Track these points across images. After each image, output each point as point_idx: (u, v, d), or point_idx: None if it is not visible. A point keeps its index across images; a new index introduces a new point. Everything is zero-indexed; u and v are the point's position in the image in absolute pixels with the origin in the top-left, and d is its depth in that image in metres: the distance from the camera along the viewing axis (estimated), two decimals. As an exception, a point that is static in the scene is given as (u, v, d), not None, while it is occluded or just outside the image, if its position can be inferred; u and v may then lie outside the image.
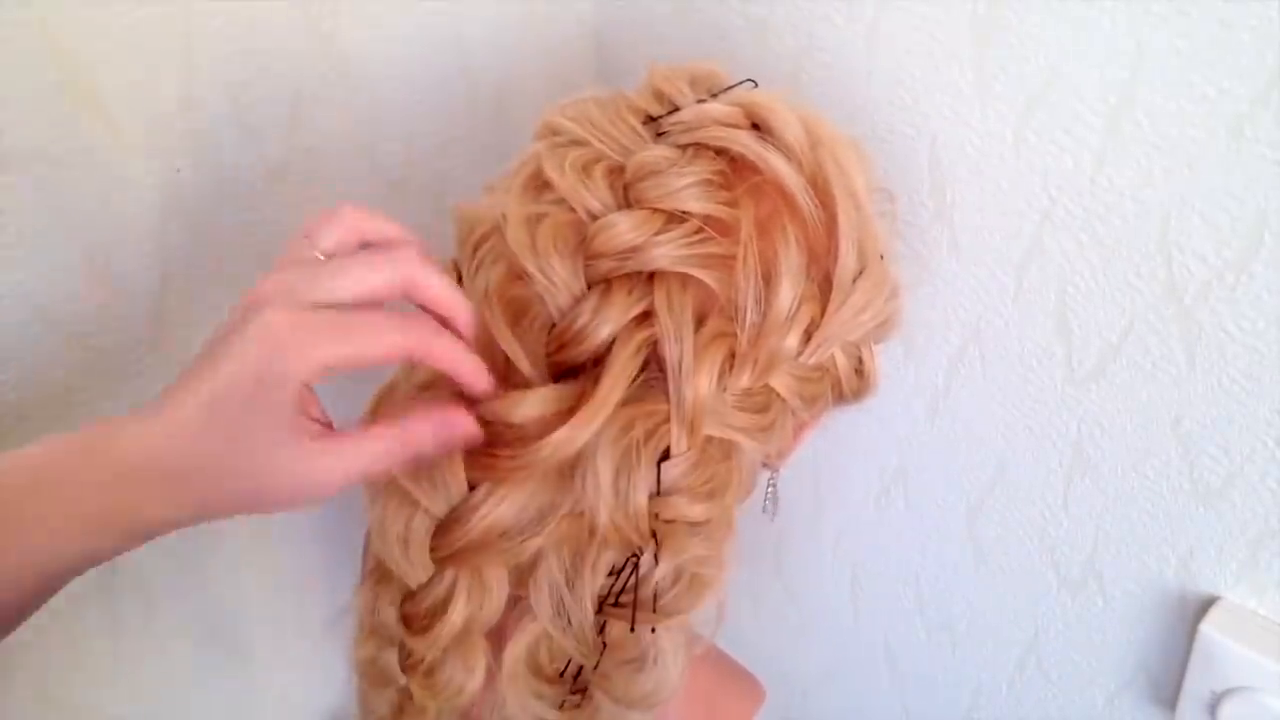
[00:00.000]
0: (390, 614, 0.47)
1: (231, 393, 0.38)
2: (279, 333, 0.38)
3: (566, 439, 0.42)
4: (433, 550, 0.44)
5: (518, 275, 0.45)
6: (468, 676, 0.46)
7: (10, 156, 0.49)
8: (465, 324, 0.43)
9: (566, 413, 0.42)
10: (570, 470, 0.43)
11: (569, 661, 0.47)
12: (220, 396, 0.38)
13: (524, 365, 0.44)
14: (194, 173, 0.56)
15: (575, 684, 0.47)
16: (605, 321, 0.43)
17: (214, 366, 0.39)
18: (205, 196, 0.57)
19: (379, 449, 0.41)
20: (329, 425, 0.42)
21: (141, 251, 0.56)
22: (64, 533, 0.38)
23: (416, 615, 0.45)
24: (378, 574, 0.49)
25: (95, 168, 0.52)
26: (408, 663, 0.47)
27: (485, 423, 0.43)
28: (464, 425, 0.43)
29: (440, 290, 0.42)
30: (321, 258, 0.42)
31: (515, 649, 0.46)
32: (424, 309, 0.43)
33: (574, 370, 0.44)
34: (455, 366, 0.42)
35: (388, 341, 0.40)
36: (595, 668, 0.46)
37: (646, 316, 0.43)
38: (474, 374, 0.43)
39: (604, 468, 0.42)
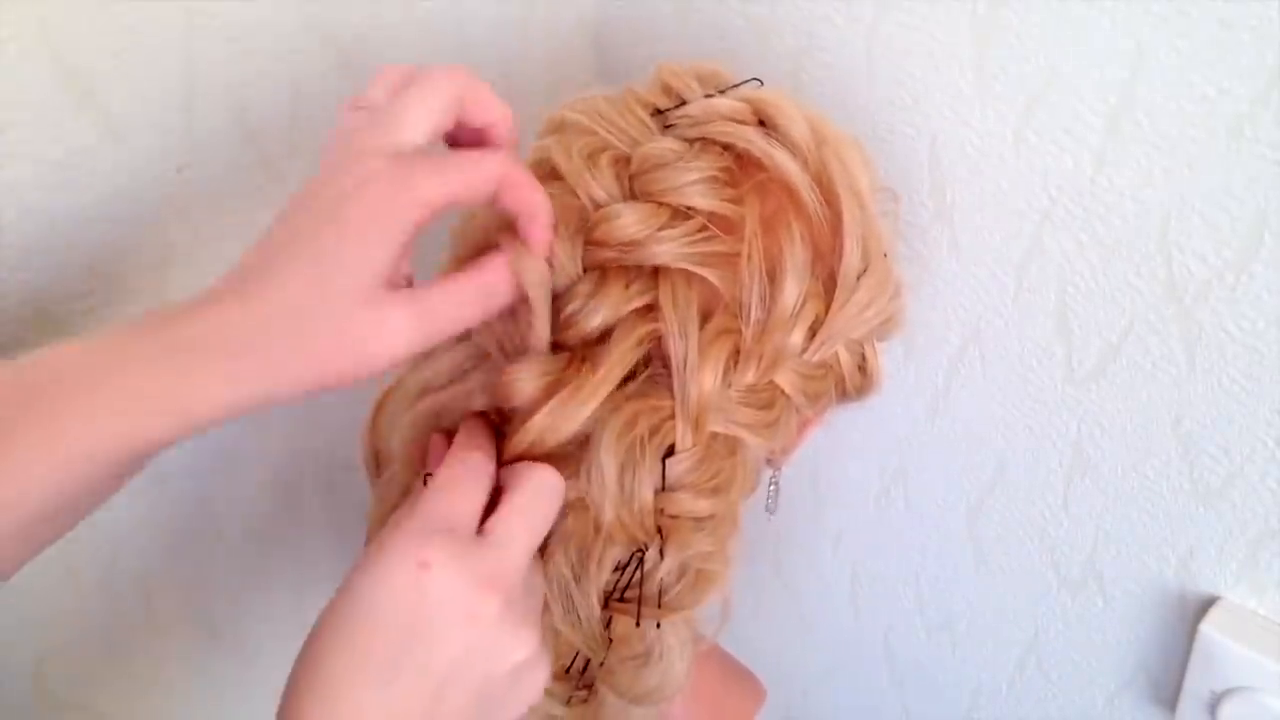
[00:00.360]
0: None
1: (338, 244, 0.38)
2: (385, 178, 0.38)
3: (559, 415, 0.42)
4: None
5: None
6: None
7: (10, 156, 0.49)
8: (509, 127, 0.43)
9: (555, 384, 0.43)
10: (575, 466, 0.43)
11: (575, 657, 0.47)
12: (326, 250, 0.38)
13: (542, 330, 0.44)
14: (194, 173, 0.56)
15: (581, 679, 0.47)
16: (598, 309, 0.43)
17: (306, 227, 0.38)
18: (205, 196, 0.57)
19: (462, 294, 0.41)
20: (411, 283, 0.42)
21: (141, 251, 0.56)
22: (111, 411, 0.36)
23: None
24: None
25: (95, 168, 0.52)
26: None
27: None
28: (544, 237, 0.42)
29: (529, 187, 0.42)
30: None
31: None
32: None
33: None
34: (535, 207, 0.42)
35: (486, 171, 0.40)
36: (601, 663, 0.46)
37: (649, 310, 0.43)
38: (548, 222, 0.43)
39: (609, 463, 0.42)
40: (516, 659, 0.40)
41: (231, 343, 0.37)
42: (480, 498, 0.41)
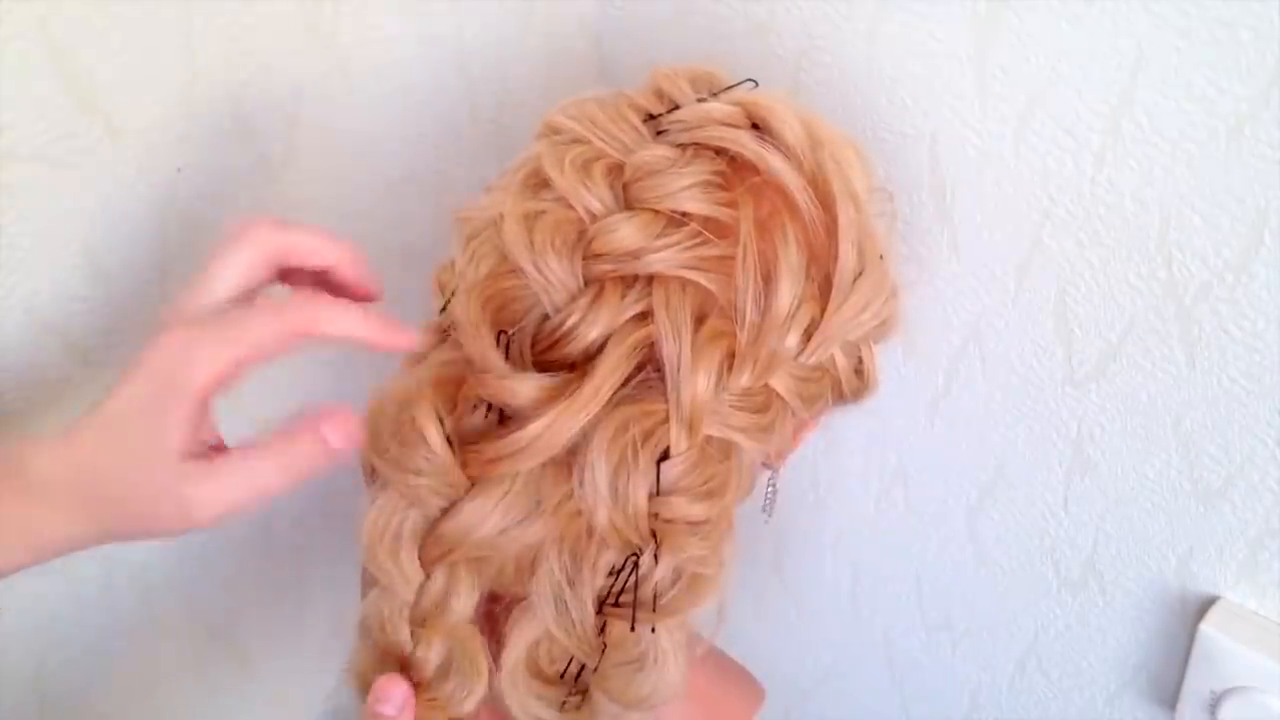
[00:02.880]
0: (400, 625, 0.47)
1: (127, 410, 0.39)
2: (169, 347, 0.39)
3: (554, 426, 0.42)
4: (423, 551, 0.44)
5: (510, 269, 0.45)
6: (474, 683, 0.46)
7: (10, 156, 0.49)
8: (349, 264, 0.44)
9: (554, 392, 0.42)
10: (568, 470, 0.43)
11: (569, 663, 0.47)
12: (117, 414, 0.39)
13: (495, 361, 0.43)
14: (194, 173, 0.56)
15: (575, 685, 0.47)
16: (596, 322, 0.43)
17: (114, 390, 0.40)
18: (205, 196, 0.57)
19: (266, 470, 0.41)
20: (220, 448, 0.42)
21: (141, 251, 0.56)
22: None
23: (419, 617, 0.45)
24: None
25: (95, 168, 0.52)
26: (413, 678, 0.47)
27: (474, 418, 0.43)
28: (348, 429, 0.42)
29: (335, 309, 0.42)
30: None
31: (514, 650, 0.46)
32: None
33: (561, 369, 0.44)
34: (355, 330, 0.42)
35: (276, 326, 0.40)
36: (595, 669, 0.46)
37: (643, 316, 0.43)
38: (383, 331, 0.42)
39: (602, 467, 0.42)
40: None
41: (70, 492, 0.40)
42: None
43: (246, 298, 0.42)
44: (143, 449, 0.39)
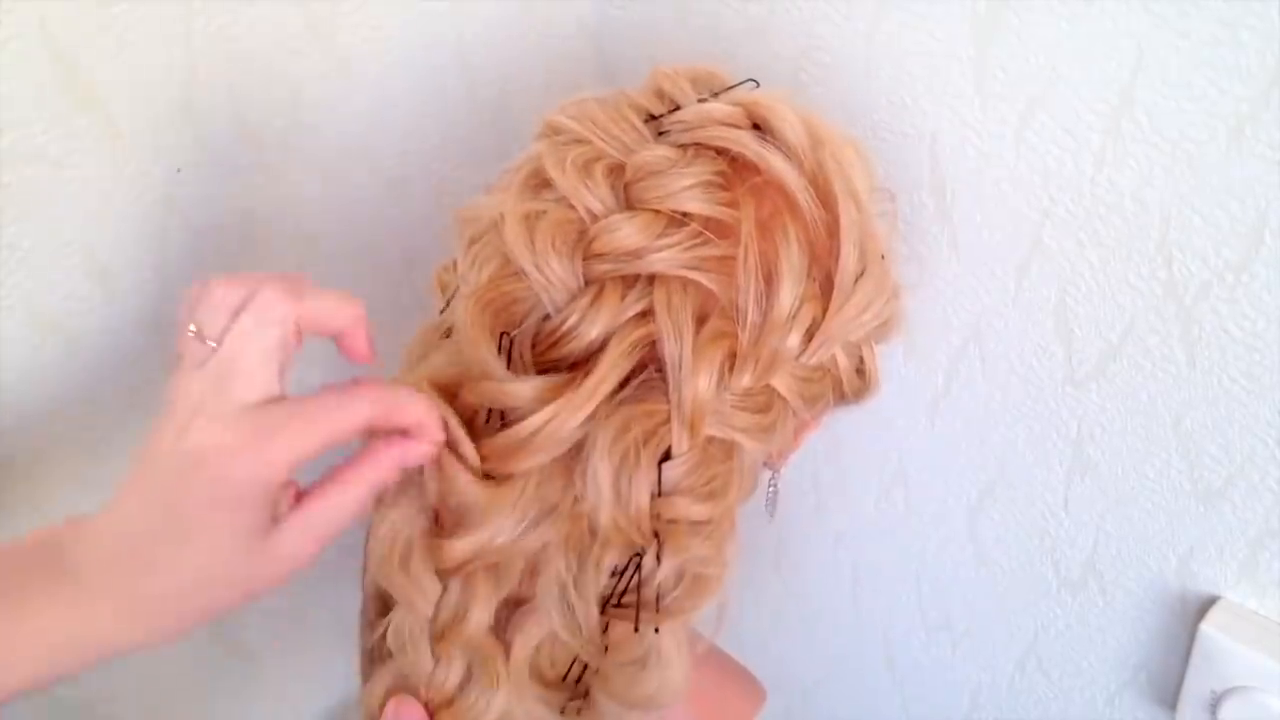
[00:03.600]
0: (421, 643, 0.47)
1: (194, 510, 0.38)
2: (235, 450, 0.38)
3: (555, 421, 0.42)
4: (437, 562, 0.44)
5: (512, 272, 0.45)
6: (492, 694, 0.46)
7: (10, 156, 0.49)
8: (363, 325, 0.43)
9: (553, 391, 0.42)
10: (571, 471, 0.43)
11: (570, 665, 0.46)
12: (179, 516, 0.38)
13: (495, 367, 0.43)
14: (194, 173, 0.56)
15: (577, 687, 0.47)
16: (596, 321, 0.43)
17: (156, 486, 0.38)
18: (205, 196, 0.57)
19: (347, 500, 0.41)
20: (296, 493, 0.41)
21: (141, 251, 0.56)
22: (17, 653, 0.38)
23: (438, 631, 0.45)
24: (381, 601, 0.48)
25: (95, 168, 0.52)
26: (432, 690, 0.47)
27: (476, 423, 0.43)
28: (419, 448, 0.42)
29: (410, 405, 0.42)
30: (214, 345, 0.40)
31: (520, 653, 0.46)
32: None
33: (562, 369, 0.44)
34: (422, 423, 0.42)
35: (354, 417, 0.39)
36: (597, 670, 0.46)
37: (644, 316, 0.43)
38: (438, 426, 0.42)
39: (604, 468, 0.42)
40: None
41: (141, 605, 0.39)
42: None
43: (283, 379, 0.41)
44: (225, 549, 0.38)
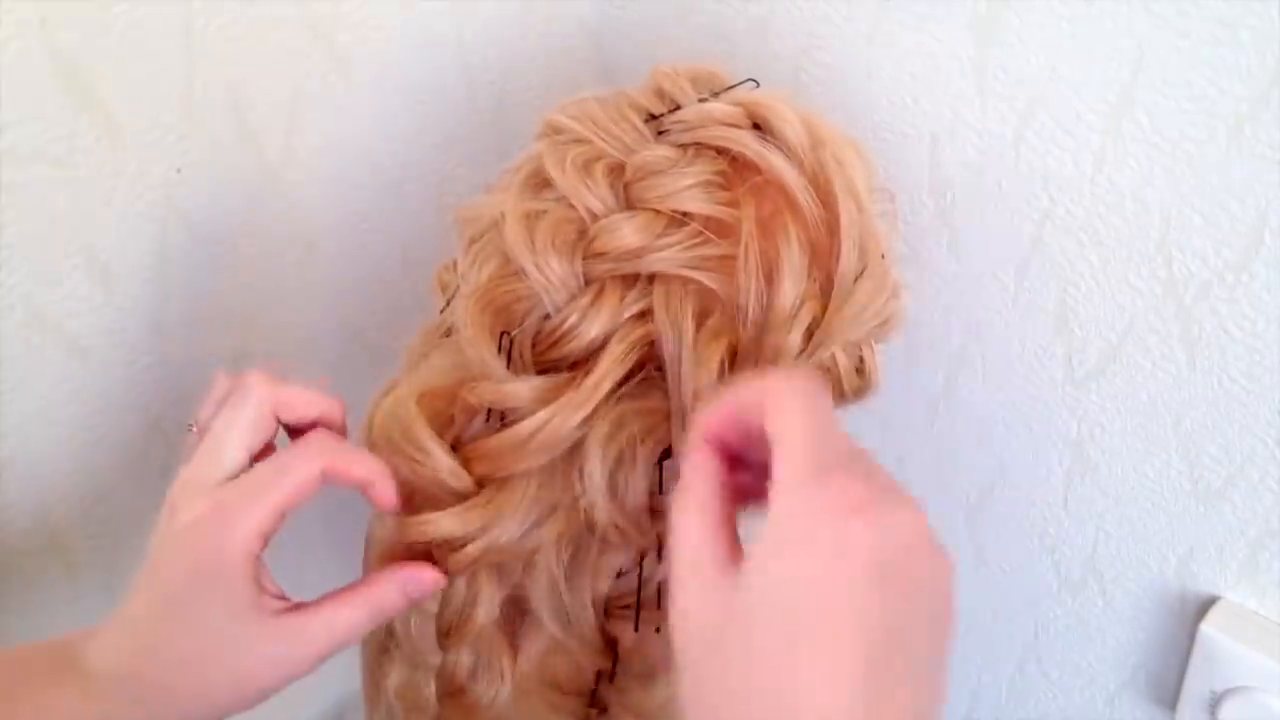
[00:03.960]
0: (427, 633, 0.47)
1: (180, 588, 0.39)
2: (206, 520, 0.39)
3: (555, 420, 0.42)
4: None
5: (512, 271, 0.45)
6: (497, 688, 0.46)
7: (10, 156, 0.49)
8: (340, 414, 0.45)
9: (552, 391, 0.42)
10: (569, 472, 0.43)
11: (585, 674, 0.47)
12: (173, 599, 0.39)
13: (495, 368, 0.44)
14: (194, 173, 0.56)
15: (594, 700, 0.47)
16: (596, 320, 0.43)
17: (156, 575, 0.40)
18: (205, 196, 0.57)
19: (350, 619, 0.41)
20: (284, 598, 0.42)
21: (141, 251, 0.56)
22: None
23: (444, 628, 0.45)
24: None
25: (95, 168, 0.52)
26: (442, 684, 0.47)
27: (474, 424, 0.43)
28: (431, 579, 0.43)
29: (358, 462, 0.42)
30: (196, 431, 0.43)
31: (526, 657, 0.46)
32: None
33: (562, 369, 0.44)
34: (368, 476, 0.42)
35: (302, 476, 0.40)
36: (612, 679, 0.46)
37: (645, 315, 0.43)
38: (390, 489, 0.43)
39: (597, 465, 0.42)
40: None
41: (139, 683, 0.40)
42: None
43: (259, 456, 0.43)
44: (214, 620, 0.39)
